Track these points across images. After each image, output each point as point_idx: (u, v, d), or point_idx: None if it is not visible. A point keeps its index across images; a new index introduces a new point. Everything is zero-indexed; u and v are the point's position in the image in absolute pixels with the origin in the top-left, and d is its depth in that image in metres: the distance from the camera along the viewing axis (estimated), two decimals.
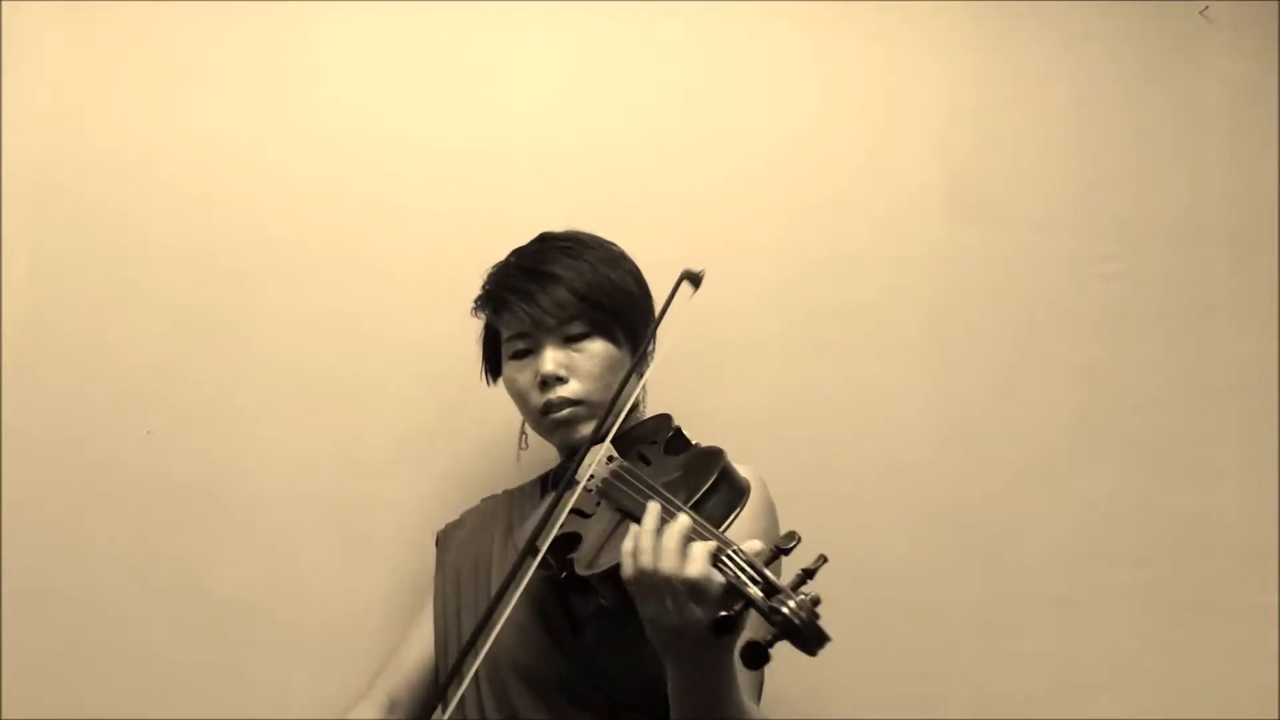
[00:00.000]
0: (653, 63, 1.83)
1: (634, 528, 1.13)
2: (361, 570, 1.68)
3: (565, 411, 1.37)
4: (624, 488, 1.23)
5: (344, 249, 1.74)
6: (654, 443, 1.35)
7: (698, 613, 1.07)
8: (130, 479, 1.66)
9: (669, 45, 1.84)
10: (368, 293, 1.74)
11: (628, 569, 1.11)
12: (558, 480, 1.37)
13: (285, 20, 1.77)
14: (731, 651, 1.11)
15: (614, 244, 1.46)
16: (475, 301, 1.48)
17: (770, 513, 1.38)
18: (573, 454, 1.36)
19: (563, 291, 1.37)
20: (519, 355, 1.42)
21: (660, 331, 1.35)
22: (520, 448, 1.54)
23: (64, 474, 1.65)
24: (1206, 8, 1.88)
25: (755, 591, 1.02)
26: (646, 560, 1.09)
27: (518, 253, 1.46)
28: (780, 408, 1.74)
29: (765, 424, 1.69)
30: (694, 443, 1.33)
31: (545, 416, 1.39)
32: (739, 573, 1.04)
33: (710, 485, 1.18)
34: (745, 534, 1.14)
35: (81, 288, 1.69)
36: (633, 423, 1.42)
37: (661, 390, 1.56)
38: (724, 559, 1.06)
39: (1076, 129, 1.86)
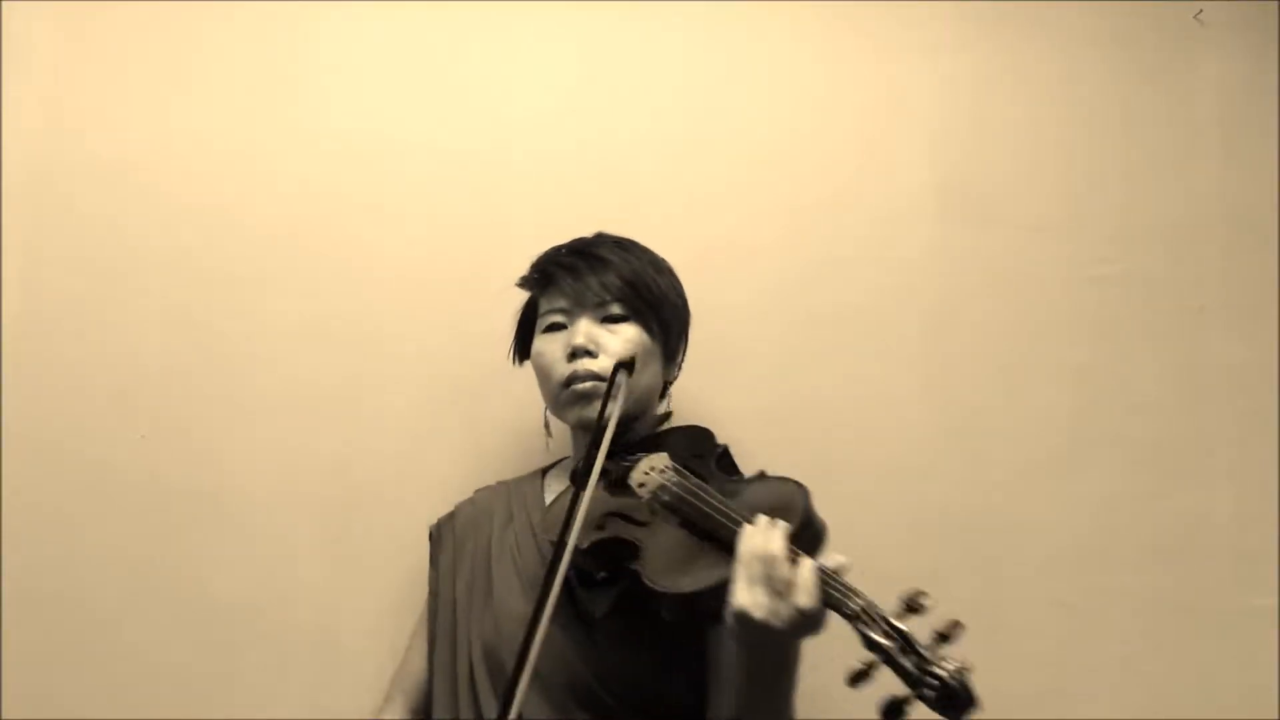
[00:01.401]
0: (650, 65, 1.84)
1: (748, 553, 1.12)
2: (356, 573, 1.68)
3: (587, 384, 1.37)
4: (698, 504, 1.22)
5: (341, 252, 1.75)
6: (699, 456, 1.34)
7: (796, 619, 1.09)
8: (126, 482, 1.67)
9: (666, 48, 1.84)
10: (365, 296, 1.74)
11: (753, 607, 1.10)
12: (579, 473, 1.32)
13: (283, 23, 1.78)
14: (798, 665, 1.17)
15: (663, 258, 1.49)
16: (521, 278, 1.50)
17: None
18: (591, 435, 1.33)
19: (610, 274, 1.40)
20: (553, 328, 1.43)
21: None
22: (548, 435, 1.52)
23: (61, 477, 1.66)
24: (1201, 10, 1.88)
25: (890, 645, 1.04)
26: (754, 563, 1.10)
27: (572, 242, 1.49)
28: (776, 409, 1.74)
29: (760, 425, 1.69)
30: (761, 471, 1.31)
31: (566, 388, 1.39)
32: (869, 626, 1.06)
33: (803, 520, 1.17)
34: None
35: (77, 290, 1.70)
36: (651, 419, 1.44)
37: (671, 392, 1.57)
38: (860, 609, 1.07)
39: (1071, 131, 1.86)
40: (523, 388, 1.71)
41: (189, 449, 1.69)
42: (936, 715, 1.04)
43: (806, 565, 1.10)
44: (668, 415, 1.51)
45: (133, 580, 1.65)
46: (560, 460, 1.55)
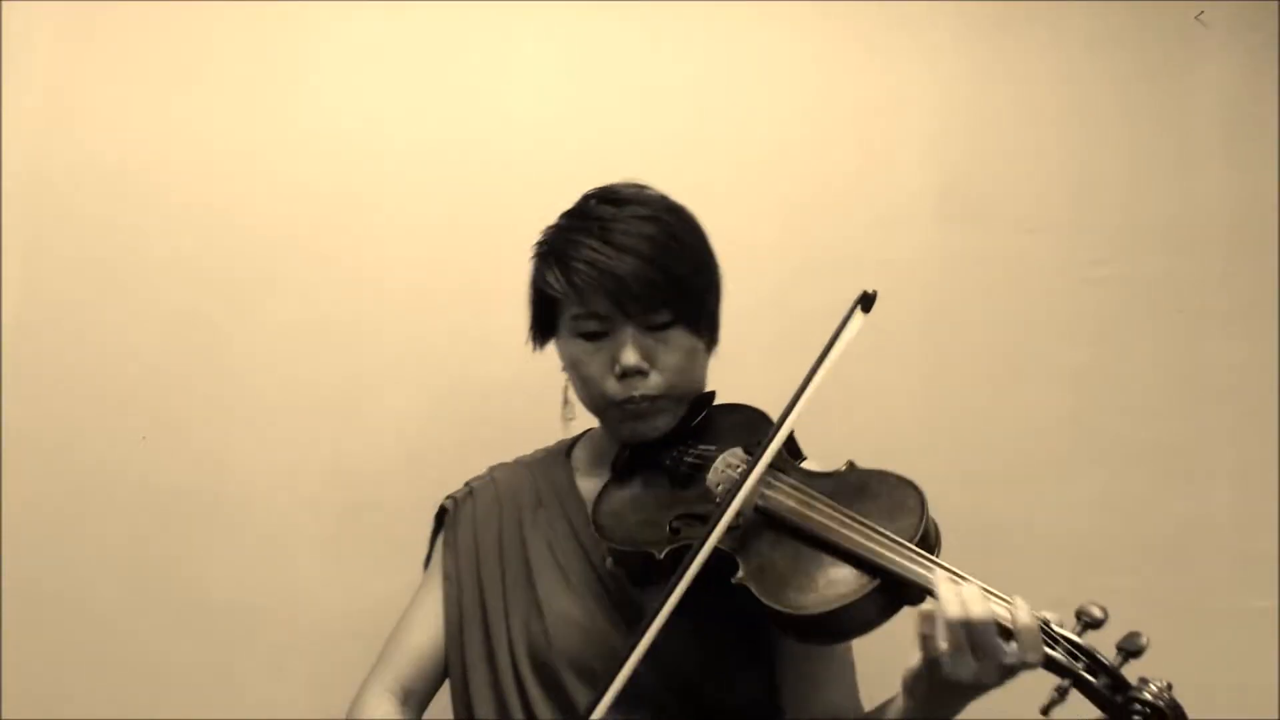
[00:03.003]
0: (648, 66, 1.84)
1: (924, 610, 1.04)
2: (354, 573, 1.69)
3: (643, 405, 1.26)
4: (802, 508, 1.13)
5: (341, 253, 1.75)
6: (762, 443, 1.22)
7: (997, 680, 1.02)
8: (126, 484, 1.67)
9: (664, 48, 1.85)
10: (365, 297, 1.75)
11: (932, 651, 1.03)
12: (621, 465, 1.30)
13: (283, 24, 1.78)
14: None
15: (683, 207, 1.33)
16: (536, 263, 1.33)
17: None
18: (638, 445, 1.29)
19: (649, 271, 1.23)
20: (590, 336, 1.28)
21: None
22: (566, 418, 1.41)
23: (61, 478, 1.67)
24: (1202, 11, 1.88)
25: (1083, 672, 0.99)
26: (958, 629, 1.01)
27: (585, 214, 1.31)
28: (774, 409, 1.73)
29: None
30: (850, 462, 1.23)
31: (618, 408, 1.27)
32: (1060, 647, 1.00)
33: (924, 522, 1.09)
34: None
35: (77, 291, 1.71)
36: (695, 397, 1.33)
37: None
38: (1048, 637, 1.01)
39: (1070, 132, 1.86)
40: (523, 388, 1.71)
41: (189, 450, 1.69)
42: None
43: (1025, 614, 1.01)
44: (710, 395, 1.37)
45: (133, 580, 1.66)
46: (584, 434, 1.45)
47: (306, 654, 1.66)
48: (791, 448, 1.28)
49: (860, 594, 1.04)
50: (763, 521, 1.14)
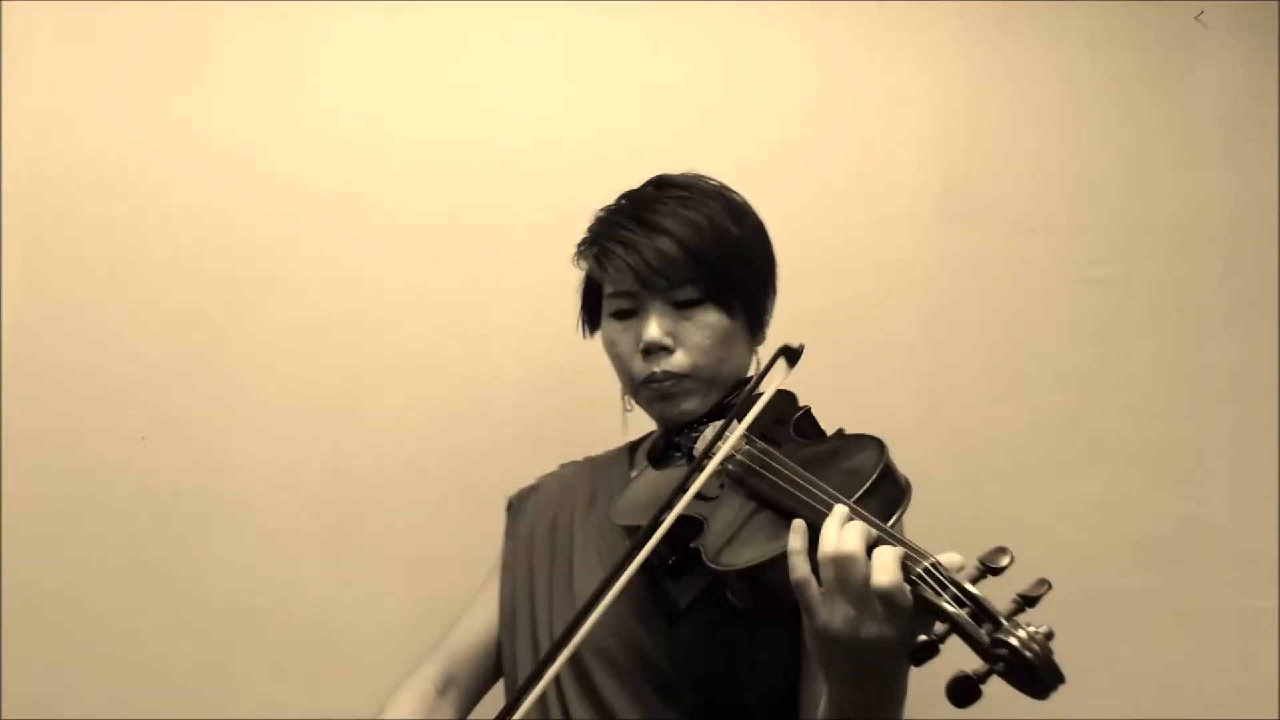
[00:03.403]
0: (647, 66, 1.84)
1: (797, 524, 0.99)
2: (356, 573, 1.68)
3: (667, 384, 1.24)
4: (765, 473, 1.09)
5: (340, 253, 1.75)
6: (779, 421, 1.21)
7: (886, 630, 0.93)
8: (125, 484, 1.67)
9: (663, 49, 1.84)
10: (364, 297, 1.75)
11: (799, 571, 0.96)
12: (660, 453, 1.27)
13: (282, 24, 1.78)
14: (906, 674, 0.99)
15: (737, 194, 1.31)
16: (577, 248, 1.32)
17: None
18: (678, 429, 1.26)
19: (675, 248, 1.21)
20: (621, 315, 1.27)
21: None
22: (626, 409, 1.37)
23: (61, 479, 1.67)
24: (1202, 11, 1.88)
25: (963, 615, 0.87)
26: (828, 566, 0.94)
27: (629, 195, 1.31)
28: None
29: None
30: (839, 430, 1.21)
31: (645, 387, 1.26)
32: (940, 590, 0.89)
33: (874, 481, 1.03)
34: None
35: (76, 292, 1.71)
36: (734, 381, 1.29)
37: None
38: (921, 572, 0.91)
39: (1069, 132, 1.85)
40: (523, 387, 1.72)
41: (189, 450, 1.69)
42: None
43: (884, 550, 0.93)
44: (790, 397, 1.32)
45: (133, 580, 1.66)
46: (648, 435, 1.43)
47: (306, 654, 1.66)
48: (806, 425, 1.25)
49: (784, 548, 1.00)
50: (732, 488, 1.13)
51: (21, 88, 1.73)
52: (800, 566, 0.97)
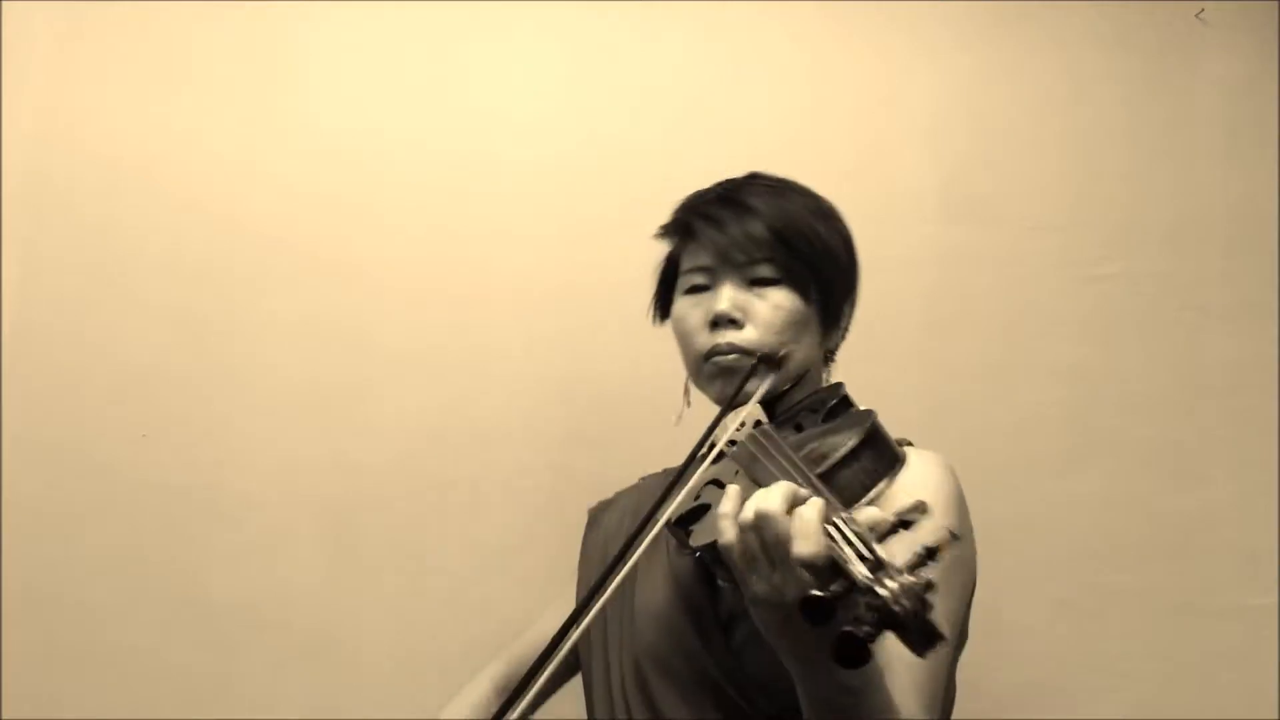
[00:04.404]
0: (645, 65, 1.84)
1: (730, 489, 0.95)
2: (356, 573, 1.68)
3: (730, 358, 1.20)
4: (761, 457, 1.05)
5: (339, 253, 1.75)
6: (814, 412, 1.18)
7: (790, 589, 0.88)
8: (126, 482, 1.67)
9: (664, 48, 1.84)
10: (362, 297, 1.74)
11: (724, 535, 0.93)
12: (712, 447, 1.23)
13: (281, 24, 1.78)
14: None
15: (828, 200, 1.30)
16: (661, 227, 1.31)
17: (958, 508, 1.20)
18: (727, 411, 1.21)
19: (758, 225, 1.21)
20: (695, 290, 1.25)
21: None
22: (686, 404, 1.34)
23: (61, 477, 1.67)
24: (1203, 9, 1.88)
25: (859, 569, 0.80)
26: (748, 530, 0.90)
27: (720, 184, 1.29)
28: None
29: None
30: (855, 409, 1.16)
31: (707, 361, 1.21)
32: (844, 545, 0.83)
33: (849, 452, 0.97)
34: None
35: (76, 291, 1.71)
36: (802, 393, 1.25)
37: (655, 392, 1.55)
38: (828, 527, 0.85)
39: (1070, 130, 1.85)
40: (523, 387, 1.72)
41: (189, 449, 1.69)
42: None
43: (802, 511, 0.87)
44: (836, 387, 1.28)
45: (133, 580, 1.66)
46: None
47: (306, 654, 1.66)
48: (838, 408, 1.19)
49: None
50: (741, 474, 1.08)
51: (21, 88, 1.73)
52: (728, 531, 0.93)
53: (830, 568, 0.84)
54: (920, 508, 0.85)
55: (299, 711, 1.62)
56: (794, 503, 0.89)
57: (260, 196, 1.75)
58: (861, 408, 1.15)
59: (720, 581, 1.04)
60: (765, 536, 0.89)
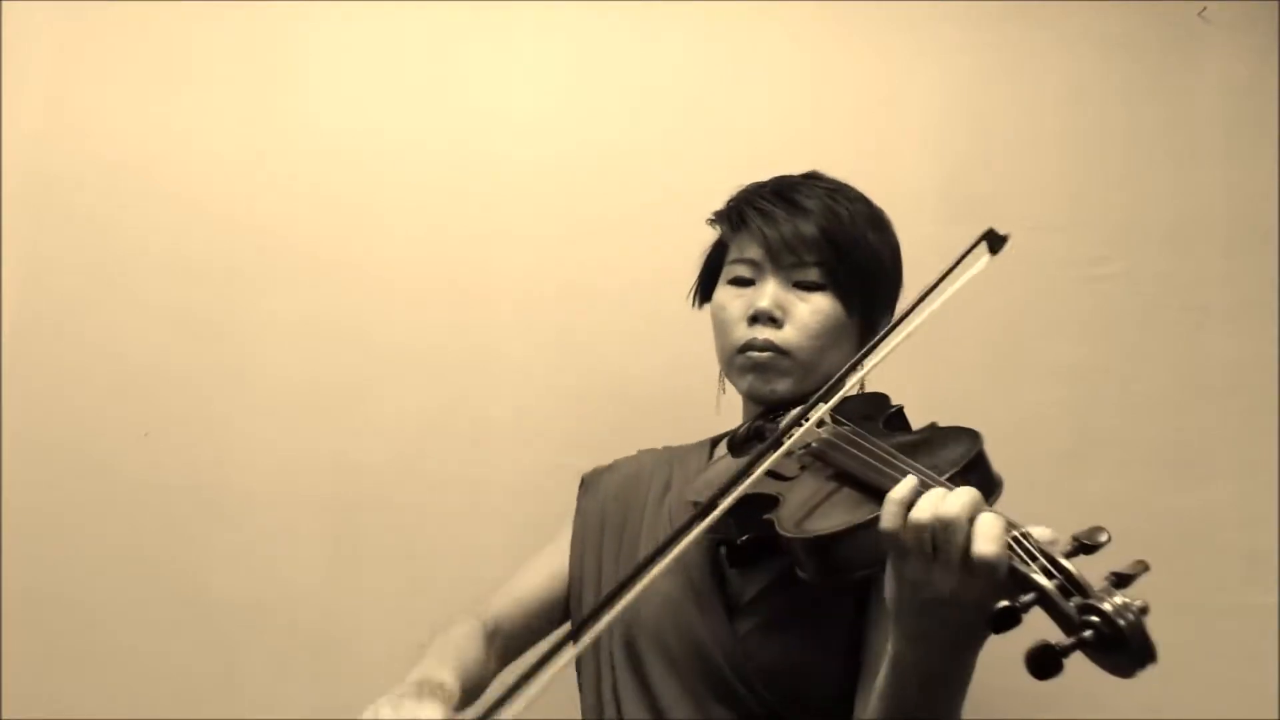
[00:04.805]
0: (646, 66, 1.84)
1: (908, 479, 0.95)
2: (356, 573, 1.68)
3: (764, 355, 1.22)
4: (853, 450, 1.06)
5: (341, 252, 1.76)
6: (868, 417, 1.19)
7: (973, 591, 0.90)
8: (127, 481, 1.67)
9: (664, 48, 1.85)
10: (363, 296, 1.75)
11: (891, 520, 0.93)
12: (741, 442, 1.24)
13: (282, 24, 1.79)
14: (978, 647, 0.97)
15: (880, 209, 1.31)
16: (713, 214, 1.33)
17: None
18: (768, 410, 1.24)
19: (810, 226, 1.23)
20: (738, 281, 1.27)
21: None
22: (721, 390, 1.37)
23: (62, 476, 1.67)
24: (1204, 9, 1.88)
25: (1050, 585, 0.84)
26: (925, 529, 0.91)
27: (777, 178, 1.32)
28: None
29: None
30: (932, 423, 1.17)
31: (741, 354, 1.24)
32: (1029, 560, 0.86)
33: (968, 464, 1.00)
34: None
35: (77, 290, 1.71)
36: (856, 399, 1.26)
37: (655, 391, 1.56)
38: (1010, 541, 0.88)
39: (1072, 130, 1.85)
40: (525, 386, 1.71)
41: (189, 449, 1.69)
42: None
43: (988, 518, 0.90)
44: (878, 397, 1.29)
45: (133, 580, 1.66)
46: (730, 430, 1.41)
47: (306, 654, 1.66)
48: (897, 421, 1.22)
49: (868, 516, 0.97)
50: (815, 467, 1.10)
51: (22, 87, 1.73)
52: (897, 515, 0.93)
53: (1011, 576, 0.87)
54: (1101, 530, 0.88)
55: (299, 711, 1.63)
56: (976, 509, 0.91)
57: (260, 196, 1.75)
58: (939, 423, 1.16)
59: (800, 574, 1.03)
60: (946, 539, 0.90)
